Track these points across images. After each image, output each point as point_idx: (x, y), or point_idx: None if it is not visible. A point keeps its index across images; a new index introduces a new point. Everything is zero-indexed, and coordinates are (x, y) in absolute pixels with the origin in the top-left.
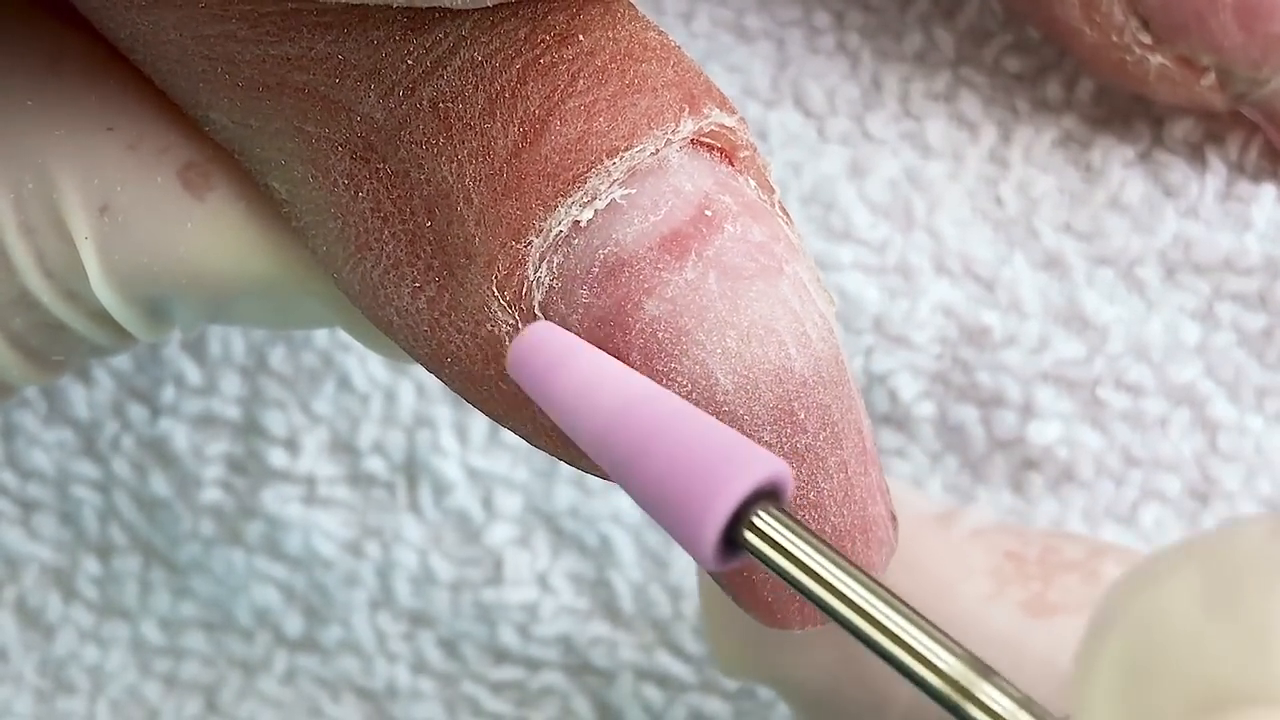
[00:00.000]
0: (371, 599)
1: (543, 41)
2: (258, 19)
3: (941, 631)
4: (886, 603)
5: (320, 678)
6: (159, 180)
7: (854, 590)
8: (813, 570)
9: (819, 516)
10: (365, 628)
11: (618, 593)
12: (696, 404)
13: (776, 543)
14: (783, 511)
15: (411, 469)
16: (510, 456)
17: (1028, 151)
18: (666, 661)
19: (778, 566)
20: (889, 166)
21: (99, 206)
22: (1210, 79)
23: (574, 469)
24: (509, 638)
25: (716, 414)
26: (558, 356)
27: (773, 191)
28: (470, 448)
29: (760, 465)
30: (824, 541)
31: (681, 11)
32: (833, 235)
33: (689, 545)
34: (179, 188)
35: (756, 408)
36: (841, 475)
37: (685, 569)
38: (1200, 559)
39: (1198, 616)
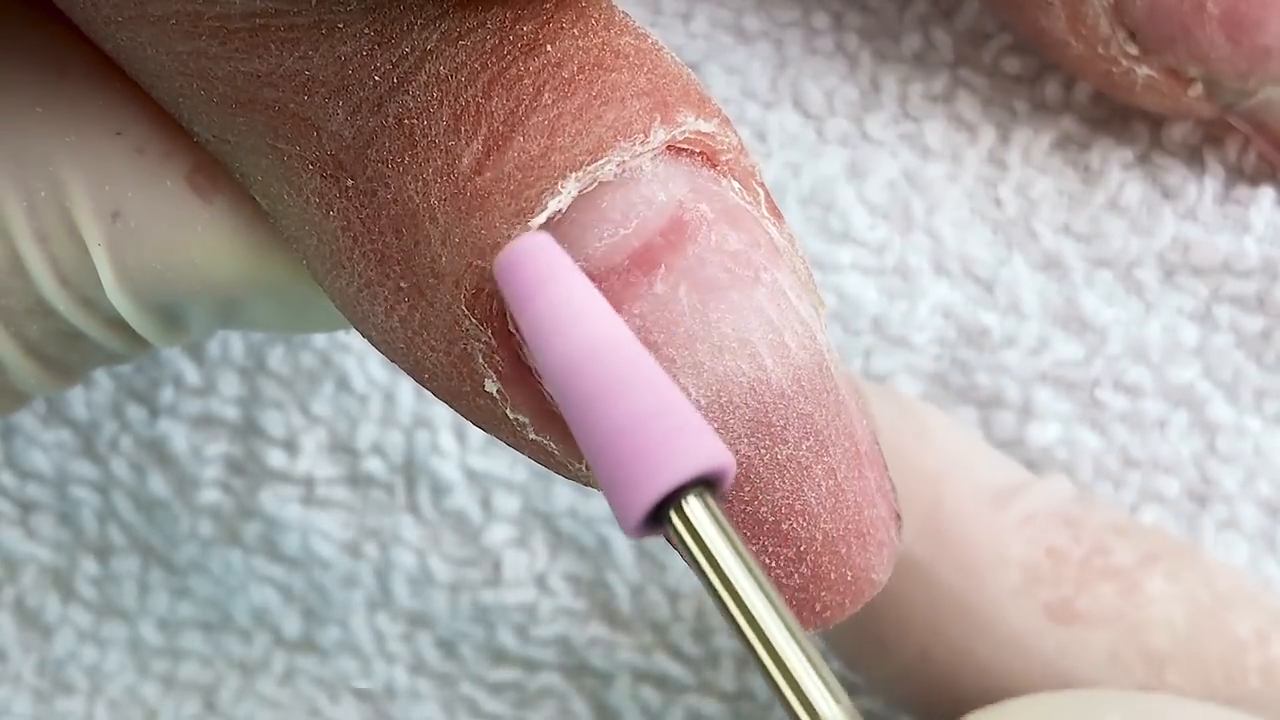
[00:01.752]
0: (370, 600)
1: (509, 54)
2: (227, 36)
3: (833, 681)
4: (788, 629)
5: (318, 678)
6: (168, 184)
7: (759, 606)
8: (724, 573)
9: (809, 524)
10: (364, 628)
11: (616, 594)
12: None
13: (697, 534)
14: (713, 503)
15: (410, 470)
16: (509, 457)
17: (1026, 153)
18: (664, 663)
19: (692, 556)
20: (888, 168)
21: (110, 212)
22: (1197, 90)
23: None
24: (507, 638)
25: None
26: (542, 276)
27: (758, 193)
28: (469, 449)
29: (706, 454)
30: (743, 547)
31: (680, 12)
32: (832, 236)
33: (616, 509)
34: (187, 191)
35: (731, 421)
36: (830, 482)
37: (683, 571)
38: None
39: None
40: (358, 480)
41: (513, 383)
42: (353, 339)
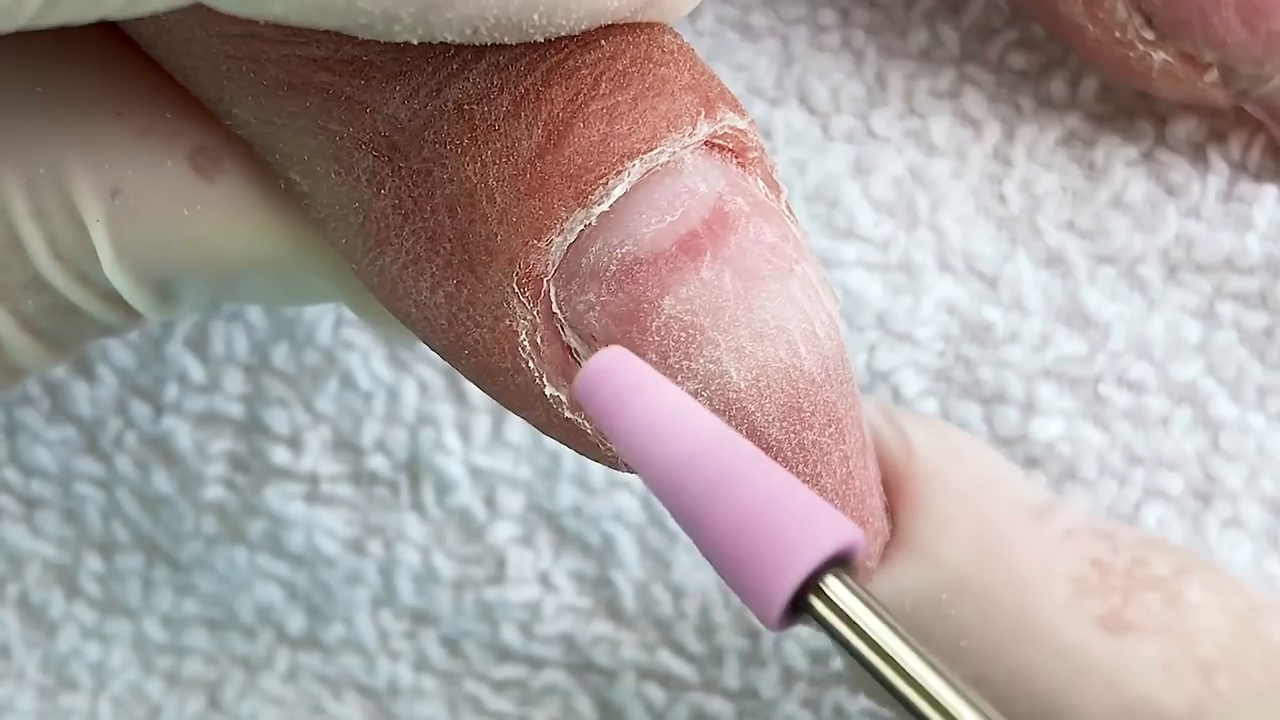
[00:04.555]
0: (374, 597)
1: (565, 46)
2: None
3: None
4: (951, 688)
5: (322, 676)
6: (169, 164)
7: (919, 670)
8: (880, 647)
9: None
10: (367, 626)
11: (620, 591)
12: (711, 401)
13: (843, 612)
14: (852, 580)
15: (414, 467)
16: (513, 455)
17: (1031, 150)
18: (669, 661)
19: (842, 637)
20: (893, 164)
21: (110, 190)
22: (1213, 76)
23: (577, 467)
24: (511, 636)
25: (729, 410)
26: (630, 386)
27: (779, 191)
28: (473, 446)
29: (835, 533)
30: (890, 616)
31: None
32: (837, 233)
33: (752, 604)
34: (189, 171)
35: (767, 405)
36: (844, 469)
37: (688, 568)
38: None
39: None
40: (362, 477)
41: (553, 361)
42: (357, 336)
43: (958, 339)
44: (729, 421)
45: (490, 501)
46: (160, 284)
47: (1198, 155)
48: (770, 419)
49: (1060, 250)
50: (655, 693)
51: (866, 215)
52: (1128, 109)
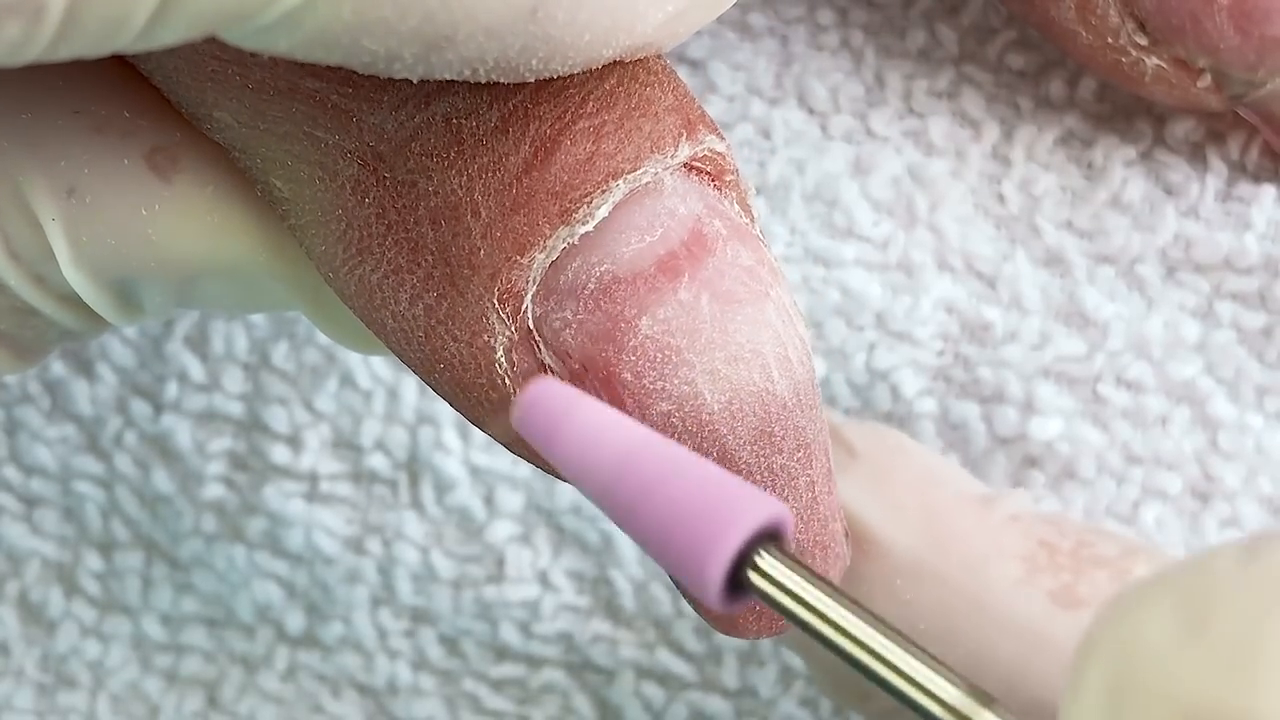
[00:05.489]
0: (373, 596)
1: None
2: None
3: (942, 663)
4: (889, 638)
5: (321, 674)
6: (125, 163)
7: (857, 627)
8: (816, 609)
9: None
10: (366, 625)
11: (619, 590)
12: (684, 422)
13: (780, 583)
14: (784, 552)
15: (413, 466)
16: (512, 454)
17: (1030, 150)
18: (667, 659)
19: (782, 606)
20: (892, 164)
21: (66, 189)
22: (1206, 81)
23: None
24: (510, 635)
25: (701, 433)
26: (562, 409)
27: (752, 216)
28: (472, 445)
29: (760, 508)
30: (826, 580)
31: None
32: (836, 232)
33: (695, 588)
34: (146, 170)
35: (739, 428)
36: (809, 494)
37: None
38: (1174, 585)
39: (1173, 642)
40: (361, 476)
41: (528, 377)
42: None
43: (957, 338)
44: (701, 444)
45: (489, 500)
46: (119, 286)
47: (1196, 155)
48: (742, 442)
49: (1059, 250)
50: (654, 691)
51: (865, 215)
52: (1126, 109)
